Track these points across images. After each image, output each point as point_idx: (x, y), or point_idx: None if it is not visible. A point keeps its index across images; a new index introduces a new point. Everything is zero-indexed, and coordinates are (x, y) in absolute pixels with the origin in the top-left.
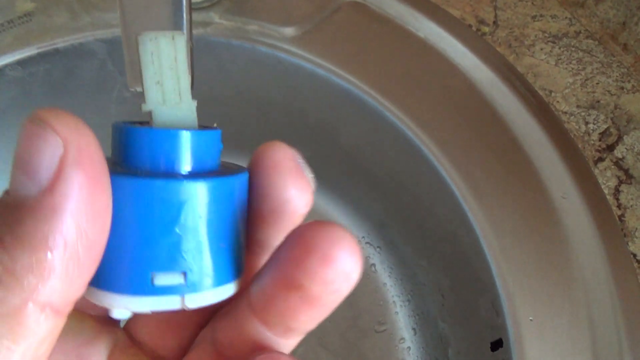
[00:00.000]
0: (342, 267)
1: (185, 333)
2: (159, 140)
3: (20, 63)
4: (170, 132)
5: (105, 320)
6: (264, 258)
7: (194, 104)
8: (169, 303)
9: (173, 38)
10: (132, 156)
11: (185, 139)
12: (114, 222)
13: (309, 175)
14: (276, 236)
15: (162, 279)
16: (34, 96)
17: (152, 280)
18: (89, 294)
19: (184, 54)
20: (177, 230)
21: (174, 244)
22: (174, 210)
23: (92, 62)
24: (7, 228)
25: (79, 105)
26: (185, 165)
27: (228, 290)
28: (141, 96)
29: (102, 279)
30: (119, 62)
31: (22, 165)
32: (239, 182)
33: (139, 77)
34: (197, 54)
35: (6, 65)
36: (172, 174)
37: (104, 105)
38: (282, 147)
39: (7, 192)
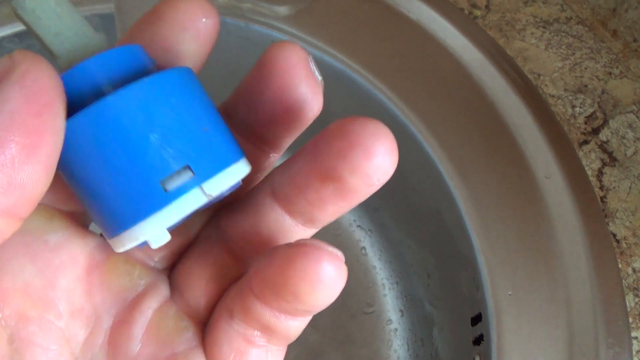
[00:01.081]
0: (382, 162)
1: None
2: (82, 74)
3: (18, 36)
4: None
5: (151, 271)
6: (274, 158)
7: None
8: (193, 201)
9: None
10: (73, 102)
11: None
12: (92, 164)
13: (319, 77)
14: (287, 136)
15: (172, 182)
16: None
17: (164, 188)
18: (122, 244)
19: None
20: (151, 136)
21: (159, 147)
22: (135, 119)
23: None
24: None
25: None
26: (118, 81)
27: (242, 168)
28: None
29: (120, 220)
30: (114, 38)
31: None
32: (181, 74)
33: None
34: None
35: (4, 38)
36: (109, 92)
37: None
38: (295, 48)
39: None
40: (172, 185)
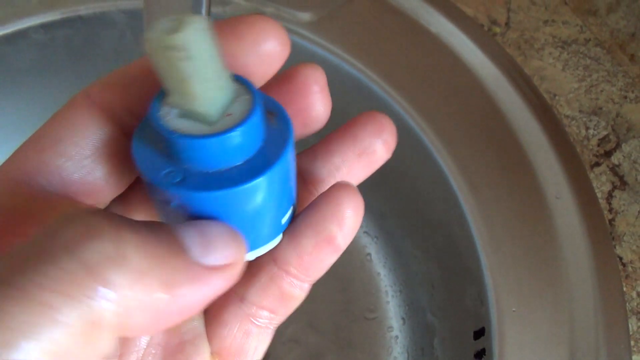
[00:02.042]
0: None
1: None
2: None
3: (44, 27)
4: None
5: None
6: None
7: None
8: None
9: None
10: (203, 160)
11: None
12: (252, 208)
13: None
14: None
15: (286, 217)
16: (53, 60)
17: (282, 222)
18: (254, 255)
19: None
20: (285, 187)
21: (287, 194)
22: (282, 178)
23: (112, 31)
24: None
25: (95, 73)
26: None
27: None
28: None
29: (260, 241)
30: (138, 33)
31: (205, 241)
32: (290, 149)
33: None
34: None
35: (30, 28)
36: (246, 171)
37: None
38: (316, 68)
39: (185, 250)
40: (285, 219)
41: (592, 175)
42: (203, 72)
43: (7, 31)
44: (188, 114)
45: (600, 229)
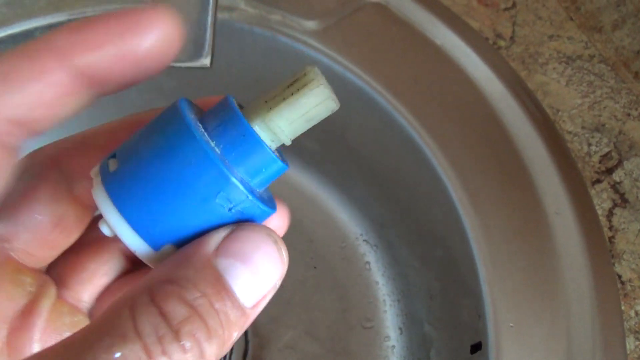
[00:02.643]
0: None
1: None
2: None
3: (50, 27)
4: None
5: (39, 274)
6: None
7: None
8: None
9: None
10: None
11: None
12: None
13: None
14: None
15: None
16: None
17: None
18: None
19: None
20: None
21: None
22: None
23: None
24: (234, 326)
25: None
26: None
27: None
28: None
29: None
30: None
31: (258, 281)
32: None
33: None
34: (220, 38)
35: (37, 28)
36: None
37: None
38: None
39: (233, 292)
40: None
41: (592, 192)
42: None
43: (13, 31)
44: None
45: (600, 246)
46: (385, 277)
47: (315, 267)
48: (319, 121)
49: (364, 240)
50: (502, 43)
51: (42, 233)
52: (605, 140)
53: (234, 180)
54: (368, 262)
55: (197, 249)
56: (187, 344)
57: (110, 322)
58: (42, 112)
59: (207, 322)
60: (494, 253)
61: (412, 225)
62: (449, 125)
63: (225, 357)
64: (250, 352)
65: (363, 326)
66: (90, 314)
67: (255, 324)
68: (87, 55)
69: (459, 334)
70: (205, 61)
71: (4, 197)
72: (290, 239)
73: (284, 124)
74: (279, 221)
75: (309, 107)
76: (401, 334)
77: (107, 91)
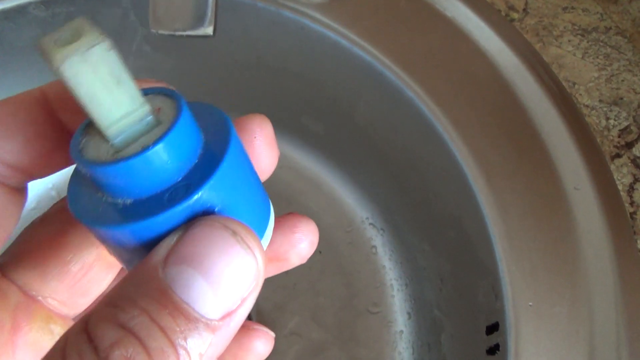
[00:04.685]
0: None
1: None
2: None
3: (44, 3)
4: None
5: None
6: None
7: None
8: None
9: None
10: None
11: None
12: None
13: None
14: None
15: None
16: None
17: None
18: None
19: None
20: None
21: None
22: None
23: (115, 10)
24: (190, 344)
25: None
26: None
27: None
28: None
29: None
30: (141, 13)
31: (217, 287)
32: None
33: (160, 21)
34: (222, 12)
35: (30, 4)
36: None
37: (123, 57)
38: (262, 119)
39: (187, 305)
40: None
41: (612, 167)
42: (97, 96)
43: (6, 6)
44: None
45: (622, 222)
46: (393, 262)
47: (320, 252)
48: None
49: (370, 224)
50: (514, 15)
51: (72, 280)
52: (624, 113)
53: None
54: (374, 247)
55: (145, 261)
56: None
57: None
58: (37, 162)
59: (145, 343)
60: (511, 231)
61: (421, 207)
62: (462, 101)
63: None
64: None
65: (370, 311)
66: None
67: (260, 311)
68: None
69: (472, 316)
70: (208, 30)
71: (20, 239)
72: None
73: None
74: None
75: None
76: (409, 318)
77: None
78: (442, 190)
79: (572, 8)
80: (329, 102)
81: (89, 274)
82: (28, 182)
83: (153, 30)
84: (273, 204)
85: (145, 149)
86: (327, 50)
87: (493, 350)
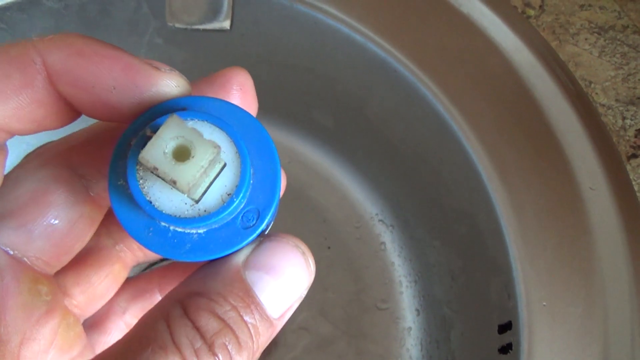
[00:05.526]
0: None
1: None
2: None
3: (20, 8)
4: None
5: (52, 282)
6: None
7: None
8: None
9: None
10: None
11: None
12: None
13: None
14: None
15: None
16: (66, 30)
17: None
18: None
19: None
20: None
21: None
22: None
23: (129, 2)
24: (263, 338)
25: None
26: None
27: None
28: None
29: None
30: (155, 5)
31: (285, 293)
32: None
33: (177, 15)
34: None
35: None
36: None
37: (135, 49)
38: (239, 71)
39: (264, 306)
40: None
41: (628, 167)
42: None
43: None
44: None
45: (637, 222)
46: (402, 258)
47: (329, 248)
48: None
49: (380, 220)
50: (531, 12)
51: (57, 238)
52: None
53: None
54: (383, 243)
55: (226, 263)
56: (220, 356)
57: (147, 333)
58: (24, 125)
59: (237, 335)
60: (525, 230)
61: (432, 203)
62: (477, 98)
63: None
64: None
65: (378, 308)
66: (86, 324)
67: None
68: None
69: (484, 314)
70: (225, 24)
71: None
72: (304, 219)
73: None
74: None
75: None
76: (418, 315)
77: (95, 116)
78: (454, 187)
79: (589, 6)
80: (340, 97)
81: (73, 230)
82: (8, 139)
83: (169, 24)
84: (282, 198)
85: (229, 202)
86: (339, 45)
87: (505, 349)
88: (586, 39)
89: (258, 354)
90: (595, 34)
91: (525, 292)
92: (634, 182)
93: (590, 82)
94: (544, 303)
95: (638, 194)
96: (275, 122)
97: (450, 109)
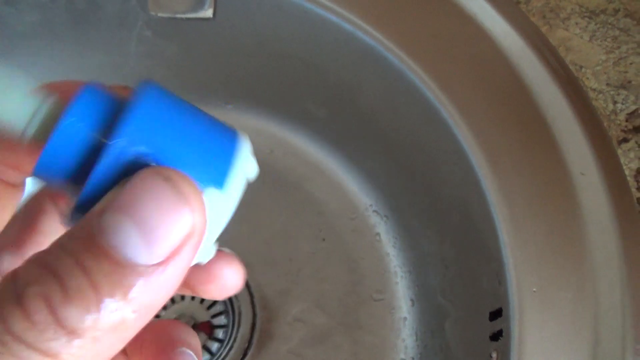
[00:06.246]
0: None
1: None
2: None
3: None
4: None
5: None
6: None
7: None
8: None
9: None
10: None
11: None
12: None
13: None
14: None
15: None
16: (54, 24)
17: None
18: None
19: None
20: None
21: None
22: None
23: None
24: (111, 285)
25: (97, 39)
26: None
27: None
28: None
29: None
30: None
31: (144, 231)
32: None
33: (160, 3)
34: None
35: None
36: None
37: (124, 42)
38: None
39: (113, 248)
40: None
41: (619, 152)
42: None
43: None
44: None
45: (628, 207)
46: (396, 249)
47: (324, 240)
48: None
49: (374, 211)
50: None
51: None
52: (632, 97)
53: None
54: (378, 234)
55: (89, 213)
56: (30, 306)
57: None
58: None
59: (63, 281)
60: (516, 216)
61: (425, 193)
62: (467, 84)
63: (232, 331)
64: (258, 325)
65: (374, 298)
66: None
67: (263, 297)
68: None
69: (477, 302)
70: (208, 12)
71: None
72: (299, 211)
73: None
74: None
75: None
76: (413, 305)
77: None
78: (446, 176)
79: None
80: (332, 87)
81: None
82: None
83: (152, 13)
84: (277, 191)
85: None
86: (329, 35)
87: (496, 336)
88: (577, 24)
89: (131, 307)
90: (587, 18)
91: (515, 278)
92: (624, 167)
93: (581, 67)
94: (535, 289)
95: (629, 179)
96: (267, 113)
97: (440, 97)
